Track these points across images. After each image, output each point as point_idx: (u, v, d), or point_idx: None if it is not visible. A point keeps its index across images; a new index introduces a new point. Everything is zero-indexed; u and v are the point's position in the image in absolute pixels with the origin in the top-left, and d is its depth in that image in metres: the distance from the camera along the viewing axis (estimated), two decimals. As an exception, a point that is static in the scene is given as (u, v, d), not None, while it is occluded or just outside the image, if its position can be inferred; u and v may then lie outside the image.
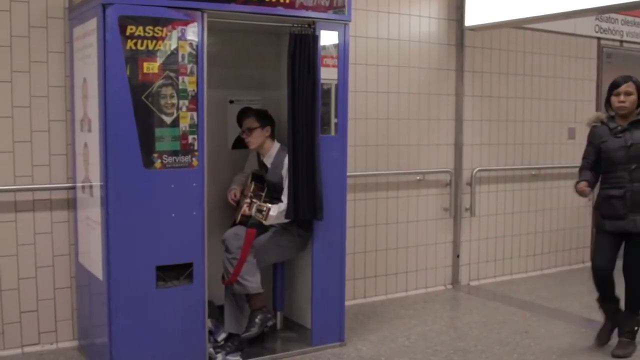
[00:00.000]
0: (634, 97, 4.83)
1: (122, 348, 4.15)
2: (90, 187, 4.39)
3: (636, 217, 4.74)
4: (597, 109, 7.86)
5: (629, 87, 4.83)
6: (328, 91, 4.79)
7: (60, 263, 4.88)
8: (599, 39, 7.84)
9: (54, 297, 4.88)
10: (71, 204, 4.83)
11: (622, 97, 4.83)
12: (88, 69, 4.29)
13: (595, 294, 5.07)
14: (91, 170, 4.35)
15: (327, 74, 4.76)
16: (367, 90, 6.08)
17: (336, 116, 4.82)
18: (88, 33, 4.22)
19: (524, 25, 6.79)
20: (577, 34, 7.59)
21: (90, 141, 4.31)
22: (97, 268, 4.30)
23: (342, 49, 4.80)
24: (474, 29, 6.59)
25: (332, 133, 4.82)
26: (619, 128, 4.86)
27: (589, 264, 7.80)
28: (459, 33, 6.64)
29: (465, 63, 6.70)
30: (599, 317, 5.77)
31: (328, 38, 4.72)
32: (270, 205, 4.63)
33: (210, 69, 4.33)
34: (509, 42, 7.05)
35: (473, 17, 6.51)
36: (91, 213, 4.40)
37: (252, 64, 5.39)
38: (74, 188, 4.78)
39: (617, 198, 4.80)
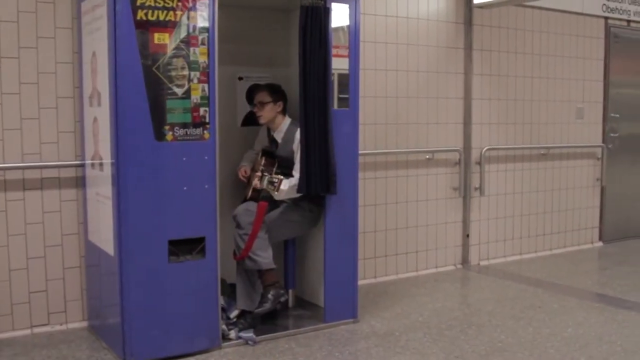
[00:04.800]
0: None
1: (135, 324, 4.11)
2: (101, 162, 4.34)
3: None
4: (605, 89, 7.86)
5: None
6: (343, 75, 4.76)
7: (69, 242, 4.83)
8: (606, 18, 7.79)
9: (64, 277, 4.83)
10: (79, 182, 4.78)
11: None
12: (97, 43, 4.23)
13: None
14: (101, 145, 4.30)
15: (339, 63, 4.73)
16: (376, 69, 6.03)
17: (348, 90, 4.78)
18: (97, 5, 4.16)
19: (531, 2, 6.72)
20: (584, 13, 7.54)
21: (100, 115, 4.26)
22: (108, 244, 4.25)
23: (353, 23, 4.75)
24: (482, 6, 6.54)
25: (344, 107, 4.77)
26: None
27: (598, 244, 7.85)
28: (467, 11, 6.58)
29: (474, 41, 6.64)
30: (611, 292, 5.81)
31: (339, 11, 4.67)
32: (282, 177, 4.57)
33: (219, 45, 4.25)
34: (517, 21, 6.99)
35: (481, -6, 6.47)
36: (101, 188, 4.35)
37: (260, 40, 5.33)
38: (82, 166, 4.73)
39: None
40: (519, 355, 4.33)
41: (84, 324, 4.88)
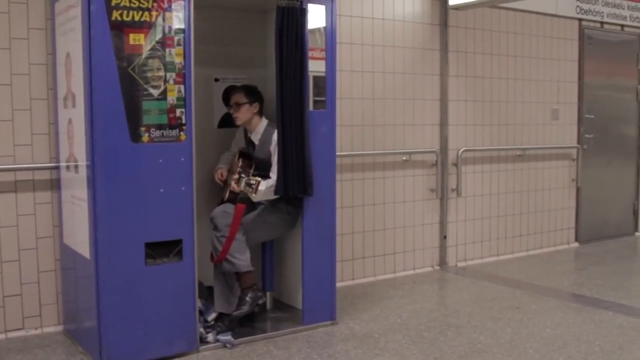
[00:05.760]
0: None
1: (111, 328, 4.06)
2: (76, 164, 4.28)
3: None
4: (580, 90, 7.92)
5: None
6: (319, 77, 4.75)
7: (44, 245, 4.77)
8: (580, 20, 7.85)
9: (38, 281, 4.77)
10: (54, 185, 4.73)
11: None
12: (71, 44, 4.18)
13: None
14: (76, 147, 4.25)
15: (315, 66, 4.72)
16: (352, 70, 6.02)
17: (325, 92, 4.76)
18: (71, 5, 4.12)
19: (506, 3, 6.75)
20: (558, 15, 7.60)
21: (75, 117, 4.21)
22: (83, 247, 4.20)
23: (329, 24, 4.73)
24: (457, 8, 6.56)
25: (321, 108, 4.75)
26: None
27: (574, 245, 7.90)
28: (443, 12, 6.60)
29: (450, 43, 6.66)
30: (588, 292, 5.84)
31: (315, 12, 4.66)
32: (259, 178, 4.55)
33: (195, 46, 4.22)
34: (492, 23, 7.02)
35: (457, -4, 6.50)
36: (76, 191, 4.29)
37: (237, 41, 5.31)
38: (57, 168, 4.67)
39: None
40: (498, 356, 4.33)
41: (60, 328, 4.82)
